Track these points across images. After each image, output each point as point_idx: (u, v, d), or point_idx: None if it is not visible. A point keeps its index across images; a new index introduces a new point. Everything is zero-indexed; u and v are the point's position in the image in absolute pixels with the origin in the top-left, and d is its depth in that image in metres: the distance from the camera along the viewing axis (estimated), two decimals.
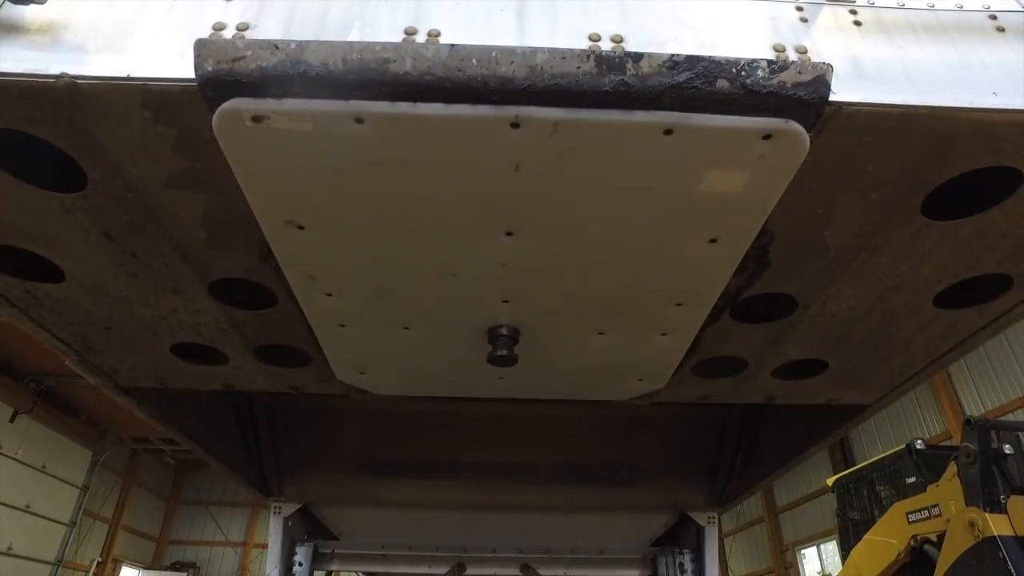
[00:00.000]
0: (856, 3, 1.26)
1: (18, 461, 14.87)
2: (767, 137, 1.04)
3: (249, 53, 0.96)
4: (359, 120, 0.97)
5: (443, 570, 3.65)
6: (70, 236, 1.33)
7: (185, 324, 1.68)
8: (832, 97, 1.03)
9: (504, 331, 1.61)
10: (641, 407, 2.30)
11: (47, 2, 0.92)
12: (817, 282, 1.57)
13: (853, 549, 7.88)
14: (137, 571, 19.44)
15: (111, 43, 0.94)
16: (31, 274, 1.44)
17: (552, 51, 0.98)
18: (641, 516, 3.76)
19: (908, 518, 6.73)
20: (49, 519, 16.09)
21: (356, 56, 0.97)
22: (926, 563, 6.42)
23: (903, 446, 7.97)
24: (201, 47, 0.95)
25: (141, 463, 19.75)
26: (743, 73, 1.00)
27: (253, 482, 3.24)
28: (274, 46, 0.97)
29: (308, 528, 3.60)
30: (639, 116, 1.00)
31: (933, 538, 6.34)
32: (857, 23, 1.24)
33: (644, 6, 1.19)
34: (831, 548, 15.22)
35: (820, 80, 1.02)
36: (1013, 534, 5.42)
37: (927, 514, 6.48)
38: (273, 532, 3.37)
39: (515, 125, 0.99)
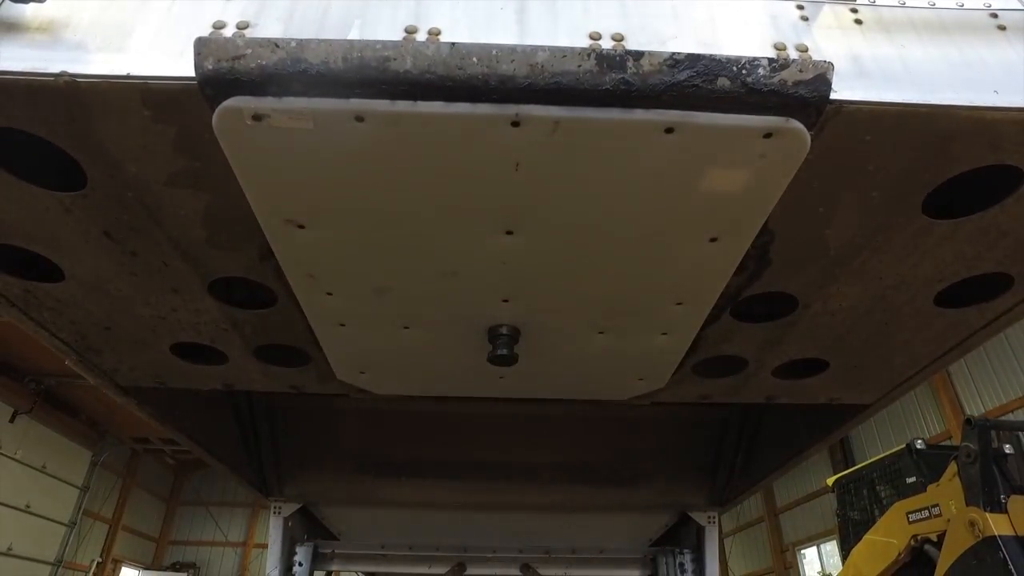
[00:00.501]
0: (857, 1, 1.26)
1: (18, 461, 14.87)
2: (768, 136, 1.03)
3: (249, 52, 0.96)
4: (359, 119, 0.97)
5: (443, 570, 3.65)
6: (70, 235, 1.32)
7: (185, 323, 1.68)
8: (833, 95, 1.03)
9: (504, 330, 1.61)
10: (641, 407, 2.30)
11: (47, 1, 0.92)
12: (817, 281, 1.56)
13: (853, 549, 7.88)
14: (137, 571, 19.42)
15: (111, 41, 0.94)
16: (31, 274, 1.44)
17: (553, 49, 0.98)
18: (641, 516, 3.76)
19: (908, 518, 6.73)
20: (49, 519, 16.08)
21: (356, 55, 0.96)
22: (926, 563, 6.41)
23: (903, 446, 7.96)
24: (201, 45, 0.95)
25: (141, 463, 19.74)
26: (744, 71, 1.00)
27: (253, 482, 3.24)
28: (274, 44, 0.96)
29: (308, 528, 3.60)
30: (640, 115, 0.99)
31: (933, 538, 6.34)
32: (858, 21, 1.24)
33: (644, 4, 1.19)
34: (831, 548, 15.21)
35: (821, 78, 1.02)
36: (1013, 534, 5.41)
37: (927, 514, 6.48)
38: (273, 532, 3.37)
39: (515, 124, 0.99)
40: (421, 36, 1.07)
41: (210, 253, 1.40)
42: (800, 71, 1.00)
